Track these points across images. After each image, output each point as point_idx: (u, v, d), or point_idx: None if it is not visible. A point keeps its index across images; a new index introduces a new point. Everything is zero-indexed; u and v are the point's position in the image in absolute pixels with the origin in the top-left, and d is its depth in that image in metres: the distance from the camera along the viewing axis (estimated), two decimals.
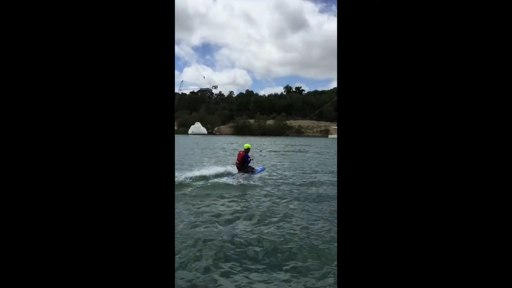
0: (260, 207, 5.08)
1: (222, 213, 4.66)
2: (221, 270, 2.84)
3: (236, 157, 8.14)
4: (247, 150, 7.94)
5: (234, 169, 8.04)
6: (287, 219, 4.38)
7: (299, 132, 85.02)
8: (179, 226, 3.97)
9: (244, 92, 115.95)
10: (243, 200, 5.54)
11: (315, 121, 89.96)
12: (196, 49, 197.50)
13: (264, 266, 2.93)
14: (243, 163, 7.88)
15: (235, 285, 2.61)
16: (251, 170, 8.05)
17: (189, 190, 6.25)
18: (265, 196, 5.93)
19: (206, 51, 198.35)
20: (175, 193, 5.51)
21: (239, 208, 5.01)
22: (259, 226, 4.09)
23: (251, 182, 7.22)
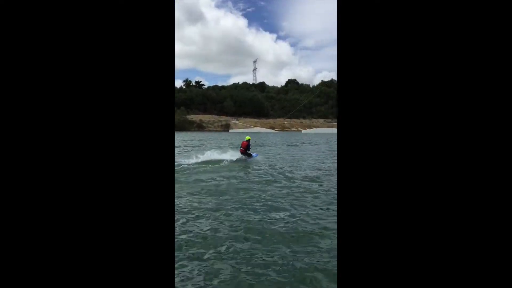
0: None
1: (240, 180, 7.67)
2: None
3: (241, 146, 12.11)
4: (248, 140, 12.06)
5: (239, 154, 12.15)
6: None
7: (200, 127, 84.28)
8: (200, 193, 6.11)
9: None
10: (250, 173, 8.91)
11: (215, 116, 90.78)
12: None
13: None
14: (246, 150, 11.89)
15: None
16: (250, 155, 12.16)
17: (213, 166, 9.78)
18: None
19: None
20: (205, 167, 9.34)
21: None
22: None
23: (252, 160, 11.85)
